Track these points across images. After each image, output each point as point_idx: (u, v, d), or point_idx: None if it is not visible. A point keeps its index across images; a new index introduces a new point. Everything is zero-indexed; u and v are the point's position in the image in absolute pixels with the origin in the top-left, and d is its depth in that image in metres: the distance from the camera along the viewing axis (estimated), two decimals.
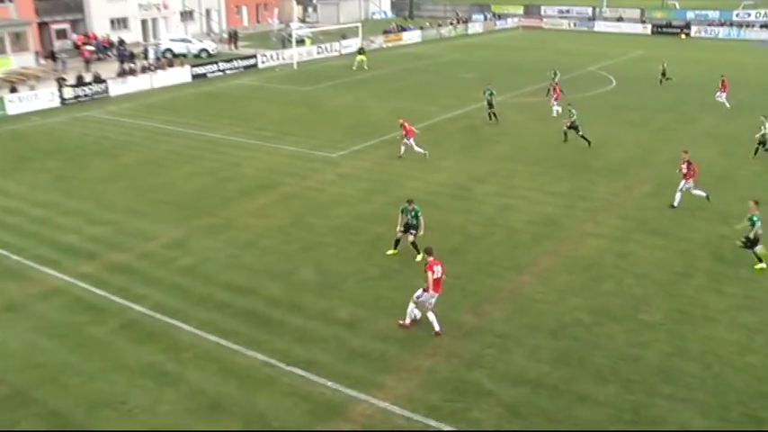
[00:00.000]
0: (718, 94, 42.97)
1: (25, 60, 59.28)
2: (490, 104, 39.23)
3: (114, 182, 29.86)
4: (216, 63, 59.66)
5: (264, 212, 25.96)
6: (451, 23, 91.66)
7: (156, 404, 14.83)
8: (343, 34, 73.69)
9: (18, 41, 59.15)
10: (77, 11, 72.29)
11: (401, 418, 14.26)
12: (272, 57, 63.61)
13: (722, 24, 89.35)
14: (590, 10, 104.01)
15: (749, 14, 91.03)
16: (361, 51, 62.70)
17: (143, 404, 14.83)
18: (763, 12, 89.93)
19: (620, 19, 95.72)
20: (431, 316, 17.28)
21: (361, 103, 45.54)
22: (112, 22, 75.01)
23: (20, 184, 30.02)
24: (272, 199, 27.35)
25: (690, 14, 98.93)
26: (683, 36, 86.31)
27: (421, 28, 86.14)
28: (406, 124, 32.26)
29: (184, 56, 64.42)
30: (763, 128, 32.00)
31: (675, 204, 25.80)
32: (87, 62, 60.79)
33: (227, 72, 58.81)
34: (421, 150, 31.88)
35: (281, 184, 29.04)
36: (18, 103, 44.82)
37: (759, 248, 20.93)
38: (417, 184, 28.64)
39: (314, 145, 34.71)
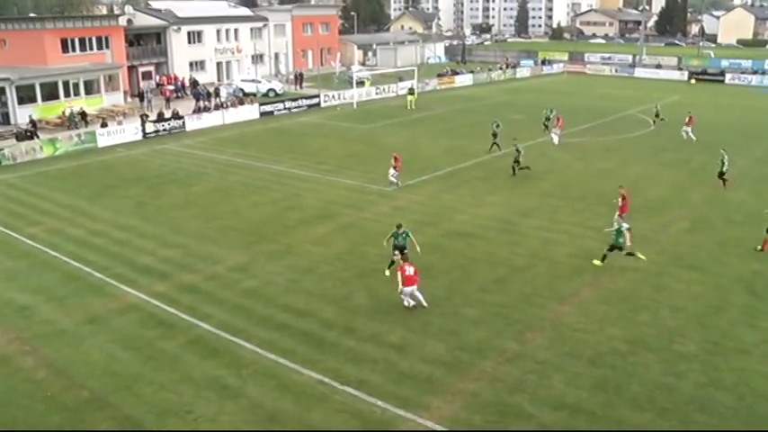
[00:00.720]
0: (684, 127, 45.01)
1: (115, 99, 60.88)
2: (494, 135, 41.06)
3: (187, 209, 30.31)
4: (282, 102, 60.47)
5: (323, 241, 26.03)
6: (501, 68, 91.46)
7: (218, 415, 14.90)
8: (399, 77, 74.12)
9: (110, 82, 60.83)
10: (162, 55, 74.29)
11: None
12: (333, 96, 64.20)
13: (755, 73, 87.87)
14: (630, 57, 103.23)
15: None
16: (411, 92, 62.94)
17: (206, 414, 14.93)
18: None
19: (658, 66, 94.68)
20: (414, 299, 19.90)
21: (416, 140, 45.58)
22: (191, 64, 76.80)
23: (105, 208, 30.67)
24: (330, 228, 27.42)
25: (724, 63, 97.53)
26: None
27: (472, 72, 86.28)
28: (398, 158, 33.37)
29: (254, 95, 65.44)
30: (723, 161, 32.51)
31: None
32: (168, 100, 62.21)
33: (293, 110, 59.51)
34: (395, 180, 33.02)
35: (339, 215, 29.11)
36: (107, 137, 46.00)
37: None
38: (466, 218, 28.47)
39: (370, 179, 34.78)
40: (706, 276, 22.48)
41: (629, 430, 14.38)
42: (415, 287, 19.76)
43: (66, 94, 55.98)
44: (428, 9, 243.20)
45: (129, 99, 64.17)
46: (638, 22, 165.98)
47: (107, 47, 65.12)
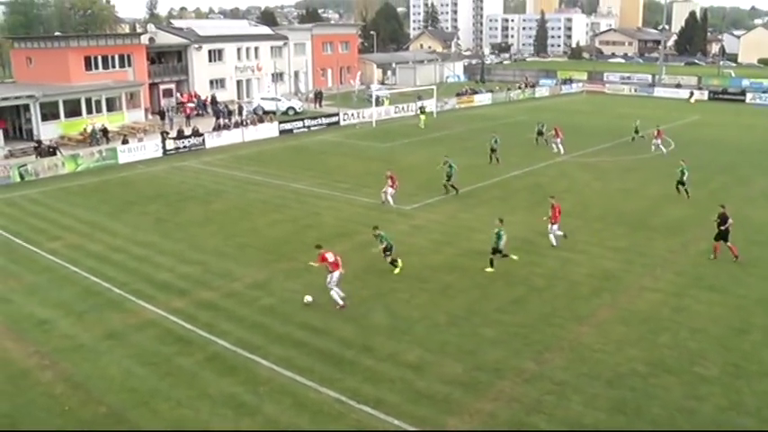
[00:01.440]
0: (654, 140, 46.84)
1: (136, 116, 61.52)
2: (493, 150, 43.17)
3: (206, 226, 30.46)
4: (302, 120, 60.82)
5: (341, 259, 25.96)
6: (520, 87, 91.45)
7: None
8: (418, 95, 74.27)
9: (132, 99, 61.50)
10: (183, 73, 75.11)
11: None
12: (353, 115, 64.44)
13: None
14: (650, 77, 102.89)
15: None
16: (422, 111, 63.01)
17: (223, 431, 14.89)
18: None
19: (678, 85, 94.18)
20: (334, 294, 20.99)
21: (435, 159, 45.34)
22: (211, 82, 77.58)
23: (125, 224, 30.90)
24: (348, 246, 27.39)
25: (745, 82, 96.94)
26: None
27: (491, 91, 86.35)
28: (393, 176, 33.53)
29: (273, 113, 65.81)
30: (683, 171, 34.21)
31: (555, 245, 27.20)
32: (188, 117, 62.77)
33: (312, 128, 59.78)
34: (391, 200, 33.39)
35: (358, 233, 29.11)
36: (128, 153, 46.48)
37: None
38: (484, 237, 28.25)
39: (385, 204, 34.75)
40: (727, 297, 22.23)
41: None
42: (338, 273, 21.15)
43: (89, 111, 56.66)
44: (447, 28, 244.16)
45: (149, 116, 64.83)
46: (658, 42, 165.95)
47: (129, 65, 66.03)
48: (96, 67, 63.18)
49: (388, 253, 24.14)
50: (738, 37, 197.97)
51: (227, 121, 59.36)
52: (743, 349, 18.68)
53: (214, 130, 54.75)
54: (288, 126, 58.32)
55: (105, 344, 19.20)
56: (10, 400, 16.42)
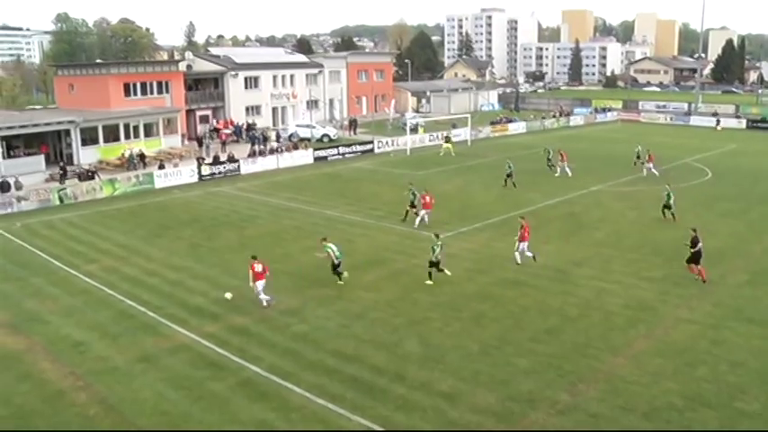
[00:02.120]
0: (646, 164, 48.77)
1: (173, 141, 62.50)
2: (509, 175, 44.96)
3: (239, 251, 30.62)
4: (336, 147, 61.29)
5: (374, 286, 26.02)
6: (554, 116, 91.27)
7: None
8: (453, 124, 74.46)
9: (169, 125, 62.52)
10: (219, 100, 76.18)
11: None
12: (387, 143, 64.75)
13: None
14: (686, 105, 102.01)
15: None
16: (447, 140, 62.96)
17: None
18: None
19: (715, 114, 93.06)
20: (261, 297, 23.53)
21: (469, 187, 45.56)
22: (247, 109, 78.55)
23: (160, 249, 31.25)
24: (381, 274, 27.41)
25: None
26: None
27: (525, 120, 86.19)
28: (427, 197, 34.55)
29: (308, 140, 66.35)
30: (669, 195, 35.41)
31: (519, 262, 28.20)
32: (224, 143, 63.54)
33: (346, 155, 60.15)
34: (426, 221, 34.37)
35: (391, 261, 29.10)
36: (164, 178, 47.15)
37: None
38: (518, 266, 28.20)
39: (423, 226, 34.71)
40: (767, 331, 21.77)
41: None
42: (261, 283, 23.33)
43: (127, 137, 57.68)
44: (482, 57, 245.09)
45: (186, 142, 65.73)
46: (694, 70, 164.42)
47: (167, 91, 67.28)
48: (135, 94, 64.46)
49: (338, 267, 25.89)
50: None
51: (262, 147, 59.99)
52: None
53: (249, 156, 55.33)
54: (322, 153, 58.76)
55: (139, 367, 19.36)
56: (46, 420, 16.64)
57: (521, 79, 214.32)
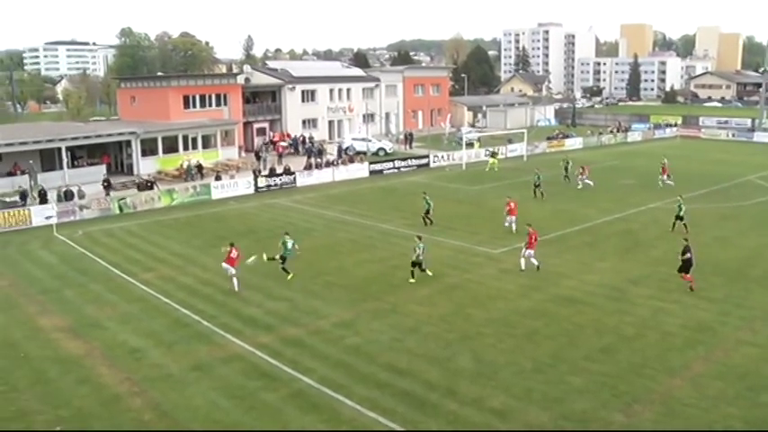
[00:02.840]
0: (660, 176, 49.67)
1: (230, 153, 63.50)
2: (537, 185, 46.36)
3: (294, 263, 30.74)
4: (392, 161, 61.37)
5: (428, 301, 25.88)
6: (612, 132, 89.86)
7: None
8: (509, 139, 73.96)
9: (226, 137, 63.58)
10: (276, 112, 77.18)
11: None
12: (443, 157, 64.59)
13: None
14: (749, 121, 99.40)
15: None
16: (493, 155, 62.56)
17: None
18: None
19: None
20: (234, 280, 26.62)
21: (524, 203, 44.90)
22: (304, 122, 79.37)
23: (216, 259, 31.49)
24: (435, 289, 27.26)
25: None
26: None
27: (582, 135, 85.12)
28: (512, 204, 36.14)
29: (364, 153, 66.67)
30: (680, 206, 35.87)
31: (523, 268, 29.07)
32: (280, 156, 64.23)
33: (402, 169, 60.19)
34: (514, 228, 35.36)
35: (445, 276, 28.93)
36: (221, 190, 47.86)
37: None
38: (573, 283, 27.76)
39: (477, 240, 34.52)
40: None
41: None
42: (234, 268, 26.37)
43: (185, 148, 58.89)
44: (538, 72, 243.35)
45: (243, 154, 66.64)
46: (758, 85, 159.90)
47: (225, 104, 68.37)
48: (194, 106, 65.69)
49: (282, 262, 28.31)
50: None
51: (318, 160, 60.44)
52: None
53: (305, 168, 55.79)
54: (378, 167, 58.93)
55: (192, 375, 19.60)
56: (103, 422, 17.00)
57: (578, 94, 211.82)
